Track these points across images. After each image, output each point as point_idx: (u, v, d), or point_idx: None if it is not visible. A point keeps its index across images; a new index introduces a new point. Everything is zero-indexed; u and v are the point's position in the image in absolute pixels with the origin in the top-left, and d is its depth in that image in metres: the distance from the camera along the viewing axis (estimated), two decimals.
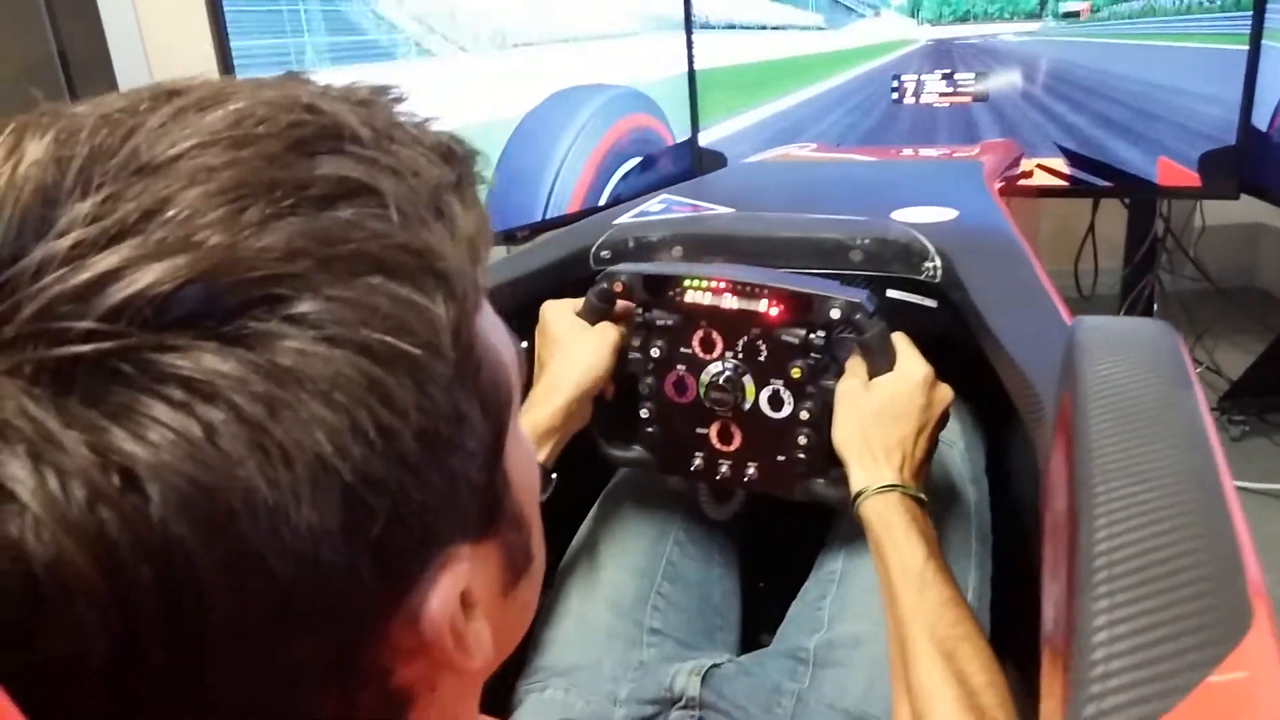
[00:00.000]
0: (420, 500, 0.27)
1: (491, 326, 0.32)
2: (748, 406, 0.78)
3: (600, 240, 0.93)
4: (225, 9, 1.22)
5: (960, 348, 0.86)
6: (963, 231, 0.87)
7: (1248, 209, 1.68)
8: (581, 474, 0.81)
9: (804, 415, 0.77)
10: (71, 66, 1.98)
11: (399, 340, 0.26)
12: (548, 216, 1.58)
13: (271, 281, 0.25)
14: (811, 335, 0.75)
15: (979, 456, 0.90)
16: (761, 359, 0.77)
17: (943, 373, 1.00)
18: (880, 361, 0.72)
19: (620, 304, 0.81)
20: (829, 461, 0.76)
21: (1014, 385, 0.65)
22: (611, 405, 0.82)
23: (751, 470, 0.80)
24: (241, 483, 0.23)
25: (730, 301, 0.77)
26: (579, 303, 0.82)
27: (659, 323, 0.79)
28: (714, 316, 0.77)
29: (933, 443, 0.72)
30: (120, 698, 0.23)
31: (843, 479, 0.72)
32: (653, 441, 0.82)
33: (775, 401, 0.78)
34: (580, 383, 0.77)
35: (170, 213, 0.25)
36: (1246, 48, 1.45)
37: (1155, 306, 1.87)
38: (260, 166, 0.26)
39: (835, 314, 0.73)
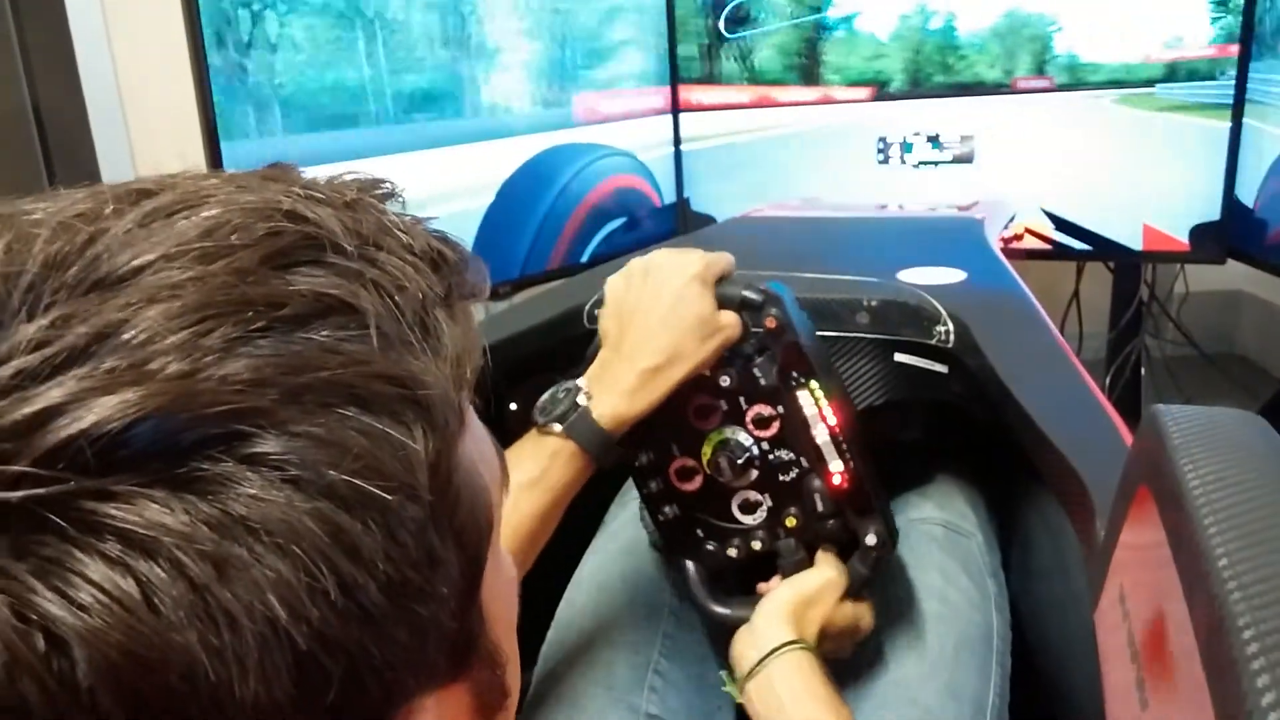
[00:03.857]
0: (382, 658, 0.24)
1: (475, 444, 0.30)
2: (725, 481, 0.74)
3: (595, 298, 0.88)
4: (210, 63, 1.17)
5: (969, 418, 0.82)
6: (974, 294, 0.83)
7: (1229, 276, 1.67)
8: (564, 534, 0.75)
9: (755, 543, 0.74)
10: (46, 120, 1.93)
11: (369, 483, 0.23)
12: (527, 272, 1.54)
13: (232, 417, 0.22)
14: (833, 520, 0.71)
15: (997, 550, 0.86)
16: (780, 479, 0.72)
17: (952, 445, 0.96)
18: (860, 586, 0.72)
19: (738, 319, 0.70)
20: (729, 586, 0.77)
21: (1051, 468, 0.60)
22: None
23: (671, 510, 0.76)
24: (180, 653, 0.21)
25: (820, 434, 0.69)
26: (712, 269, 0.69)
27: (755, 372, 0.71)
28: (794, 422, 0.70)
29: None
30: None
31: (725, 606, 0.74)
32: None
33: (746, 507, 0.74)
34: (689, 374, 0.68)
35: (125, 336, 0.22)
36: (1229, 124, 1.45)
37: (1143, 372, 1.85)
38: (230, 282, 0.24)
39: (871, 539, 0.70)
